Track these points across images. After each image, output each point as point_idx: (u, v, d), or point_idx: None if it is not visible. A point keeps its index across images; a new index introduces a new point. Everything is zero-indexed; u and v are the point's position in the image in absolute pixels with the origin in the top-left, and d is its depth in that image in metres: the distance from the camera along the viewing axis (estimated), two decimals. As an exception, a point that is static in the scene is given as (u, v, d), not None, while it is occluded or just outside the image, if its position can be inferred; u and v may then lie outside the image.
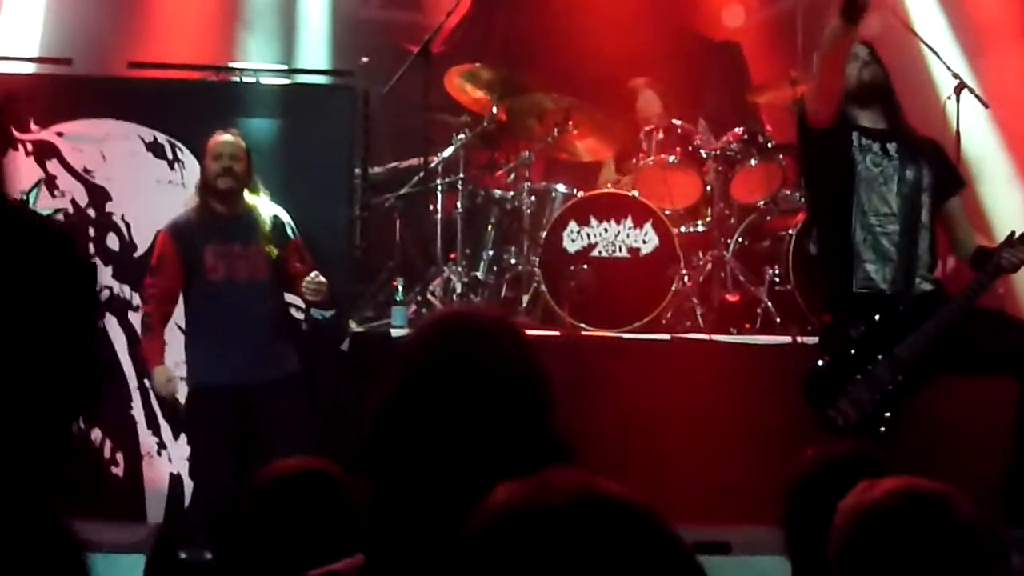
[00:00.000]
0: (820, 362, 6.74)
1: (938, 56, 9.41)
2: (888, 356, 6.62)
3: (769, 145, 9.34)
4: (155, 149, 8.65)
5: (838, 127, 6.74)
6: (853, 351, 6.65)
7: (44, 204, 8.58)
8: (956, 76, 9.13)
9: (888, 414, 6.60)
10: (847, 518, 2.67)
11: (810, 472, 3.37)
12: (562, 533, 1.49)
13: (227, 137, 7.67)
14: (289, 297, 8.04)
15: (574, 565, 1.47)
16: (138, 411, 8.55)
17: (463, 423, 2.27)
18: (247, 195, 7.65)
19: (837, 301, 6.77)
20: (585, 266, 8.77)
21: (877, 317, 6.63)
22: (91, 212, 8.59)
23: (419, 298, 9.09)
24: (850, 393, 6.63)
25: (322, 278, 7.50)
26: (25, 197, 8.17)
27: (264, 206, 7.69)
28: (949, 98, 9.15)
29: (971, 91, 9.04)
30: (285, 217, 7.74)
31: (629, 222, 8.86)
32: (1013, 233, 6.69)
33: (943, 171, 6.91)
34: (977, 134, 9.40)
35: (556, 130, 9.38)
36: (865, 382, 6.61)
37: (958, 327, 6.57)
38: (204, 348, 7.57)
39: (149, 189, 8.60)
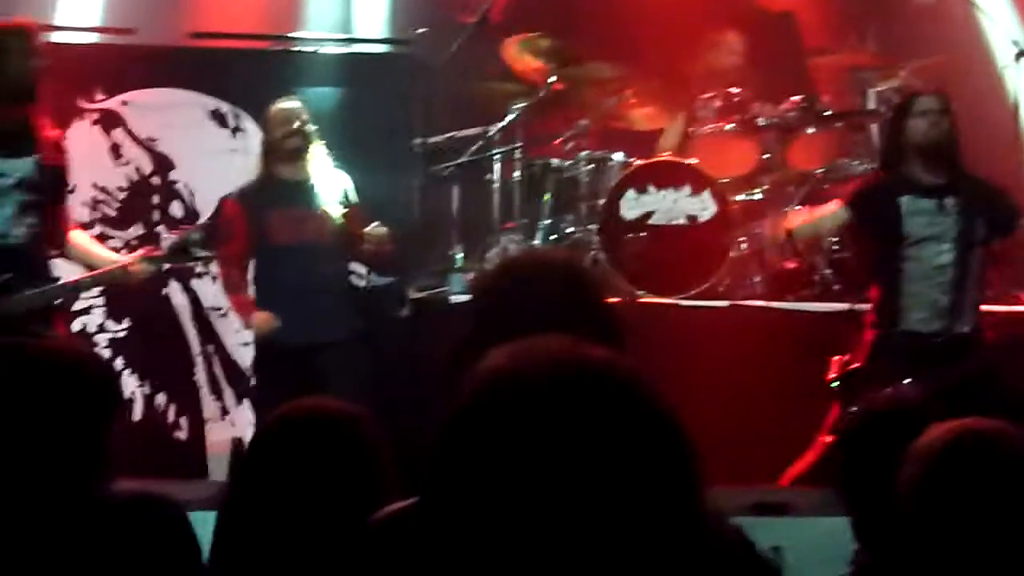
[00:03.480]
0: (856, 365, 7.11)
1: (996, 24, 9.40)
2: (915, 379, 6.79)
3: (826, 113, 9.35)
4: (218, 118, 8.76)
5: (885, 196, 7.22)
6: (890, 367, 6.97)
7: (108, 171, 8.72)
8: (1015, 43, 9.12)
9: None
10: (916, 462, 2.74)
11: (859, 422, 3.44)
12: (547, 392, 1.56)
13: (291, 103, 7.79)
14: (351, 265, 8.15)
15: (557, 422, 1.54)
16: (201, 377, 8.67)
17: None
18: (311, 161, 7.75)
19: (882, 335, 7.19)
20: (643, 233, 8.81)
21: (936, 342, 7.10)
22: (155, 180, 8.72)
23: (477, 266, 9.15)
24: None
25: (383, 228, 7.58)
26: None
27: (327, 172, 7.79)
28: (1007, 67, 9.15)
29: (1030, 58, 9.03)
30: (347, 183, 7.84)
31: (687, 190, 8.89)
32: None
33: (999, 215, 7.27)
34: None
35: (613, 99, 9.41)
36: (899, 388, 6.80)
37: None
38: (270, 310, 7.68)
39: (212, 157, 8.72)
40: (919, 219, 7.13)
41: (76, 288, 7.28)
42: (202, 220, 8.62)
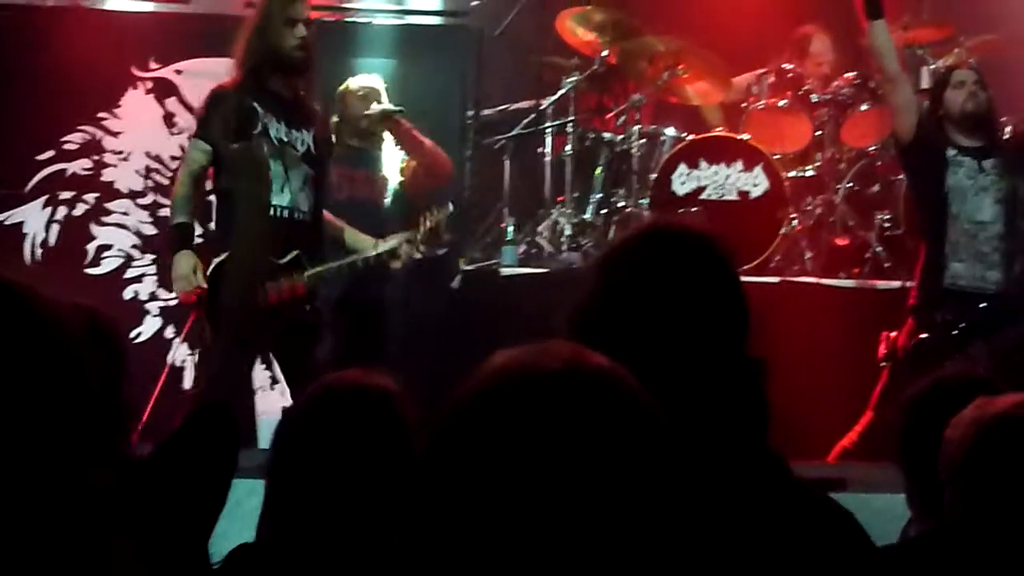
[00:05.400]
0: (924, 335, 7.15)
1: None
2: (986, 343, 7.02)
3: (880, 90, 9.30)
4: (271, 88, 8.77)
5: (931, 141, 7.34)
6: (954, 332, 7.10)
7: (162, 140, 8.74)
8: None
9: None
10: (966, 430, 2.74)
11: (923, 392, 3.43)
12: (549, 395, 1.60)
13: (371, 81, 7.87)
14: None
15: (557, 425, 1.57)
16: (252, 346, 8.70)
17: (661, 340, 2.33)
18: (383, 134, 7.84)
19: (926, 291, 7.29)
20: (694, 208, 8.80)
21: (983, 305, 7.15)
22: (208, 149, 8.74)
23: (528, 239, 9.16)
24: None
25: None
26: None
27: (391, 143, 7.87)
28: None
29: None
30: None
31: (739, 165, 8.88)
32: None
33: None
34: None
35: (667, 73, 9.38)
36: (960, 361, 6.80)
37: None
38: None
39: (264, 126, 8.74)
40: (961, 170, 7.26)
41: (351, 267, 7.24)
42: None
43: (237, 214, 6.82)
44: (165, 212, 8.57)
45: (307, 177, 6.89)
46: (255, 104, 6.84)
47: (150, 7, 9.67)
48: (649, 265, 2.44)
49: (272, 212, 6.80)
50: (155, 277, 8.68)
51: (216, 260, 6.79)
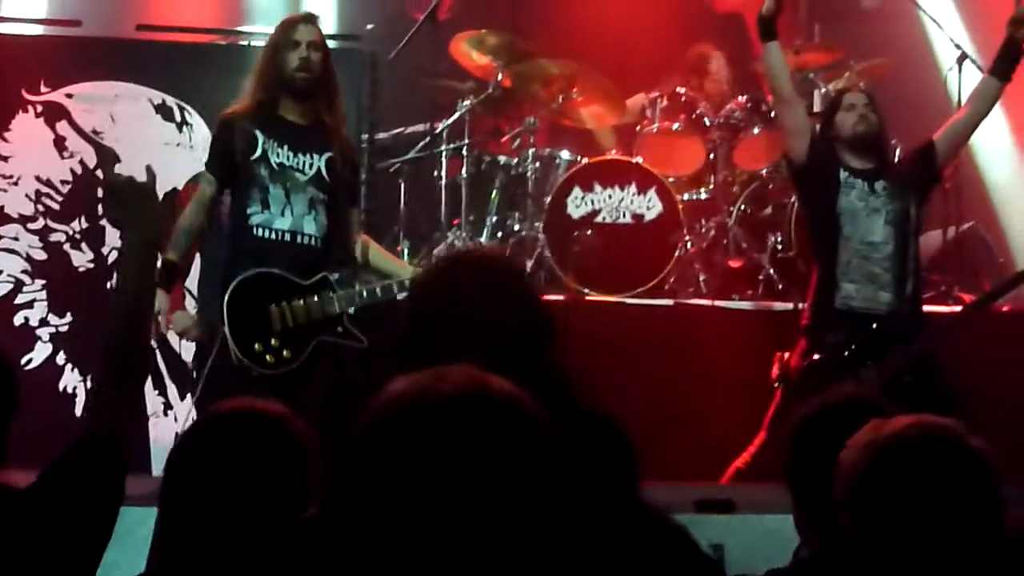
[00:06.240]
0: (816, 356, 7.16)
1: (940, 27, 9.46)
2: (877, 364, 7.06)
3: (772, 114, 9.40)
4: (164, 111, 8.71)
5: (824, 163, 7.37)
6: (846, 353, 7.12)
7: (52, 164, 8.64)
8: (958, 47, 9.18)
9: None
10: (862, 452, 2.76)
11: (812, 414, 3.45)
12: (447, 419, 1.63)
13: None
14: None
15: (455, 449, 1.61)
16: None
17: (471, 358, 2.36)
18: None
19: (818, 312, 7.33)
20: (589, 232, 8.83)
21: (875, 325, 7.16)
22: (99, 173, 8.65)
23: (423, 262, 9.15)
24: None
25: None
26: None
27: None
28: (951, 69, 9.21)
29: (973, 62, 9.08)
30: None
31: (633, 188, 8.93)
32: None
33: (923, 176, 7.48)
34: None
35: (561, 97, 9.43)
36: (850, 382, 6.87)
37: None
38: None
39: (157, 151, 8.65)
40: (853, 192, 7.30)
41: (385, 293, 7.13)
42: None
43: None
44: (56, 237, 8.50)
45: (314, 200, 6.91)
46: (256, 130, 6.86)
47: (40, 30, 9.61)
48: (446, 292, 2.51)
49: (274, 236, 6.86)
50: (45, 303, 8.57)
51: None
